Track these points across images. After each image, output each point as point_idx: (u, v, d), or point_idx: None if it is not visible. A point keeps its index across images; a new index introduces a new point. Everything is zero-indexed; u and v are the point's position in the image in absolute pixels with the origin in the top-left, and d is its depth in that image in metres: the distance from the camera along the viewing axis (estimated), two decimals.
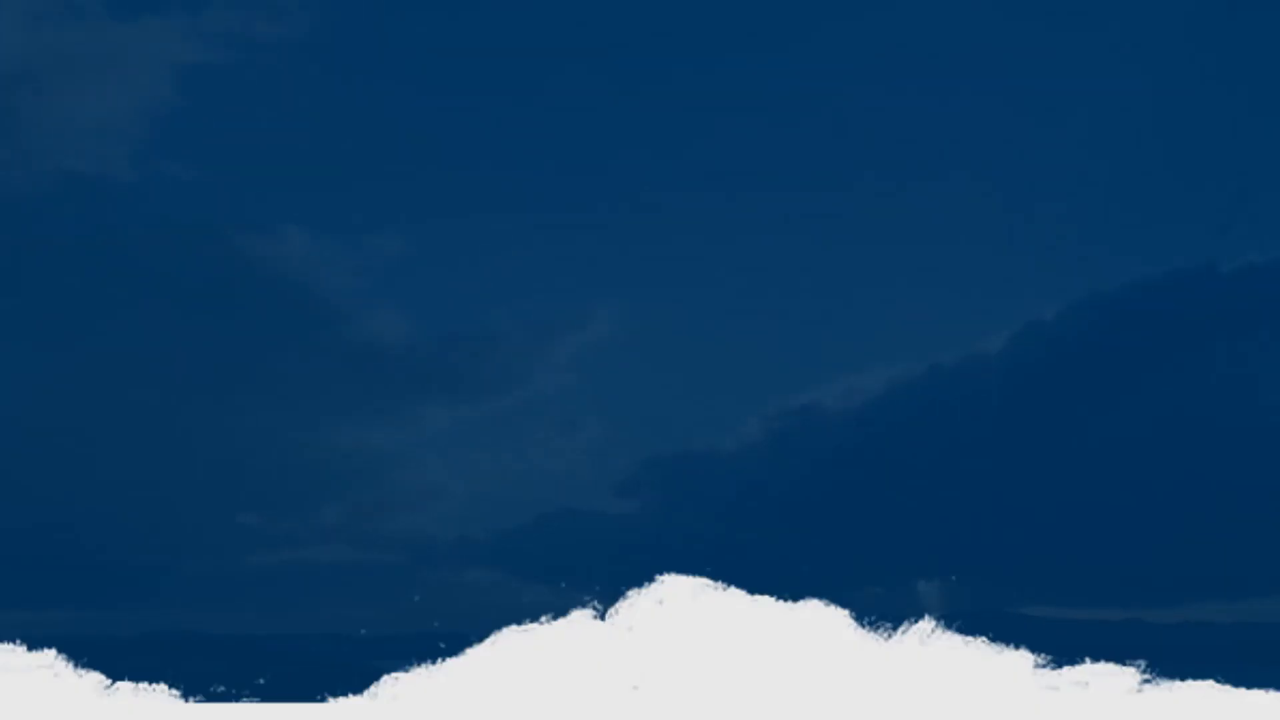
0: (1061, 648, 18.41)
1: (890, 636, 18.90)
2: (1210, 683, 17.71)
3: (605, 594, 19.49)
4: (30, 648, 19.07)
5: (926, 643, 18.72)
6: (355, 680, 18.99)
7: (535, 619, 19.41)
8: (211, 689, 19.08)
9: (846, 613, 19.14)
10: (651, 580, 19.60)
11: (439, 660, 19.13)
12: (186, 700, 18.99)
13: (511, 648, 19.18)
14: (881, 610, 19.03)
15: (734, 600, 19.50)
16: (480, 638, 19.34)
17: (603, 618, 19.31)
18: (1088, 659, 18.08)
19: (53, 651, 19.02)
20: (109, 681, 18.95)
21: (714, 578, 19.68)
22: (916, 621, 18.85)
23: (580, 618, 19.34)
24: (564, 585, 20.54)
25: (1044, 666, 18.27)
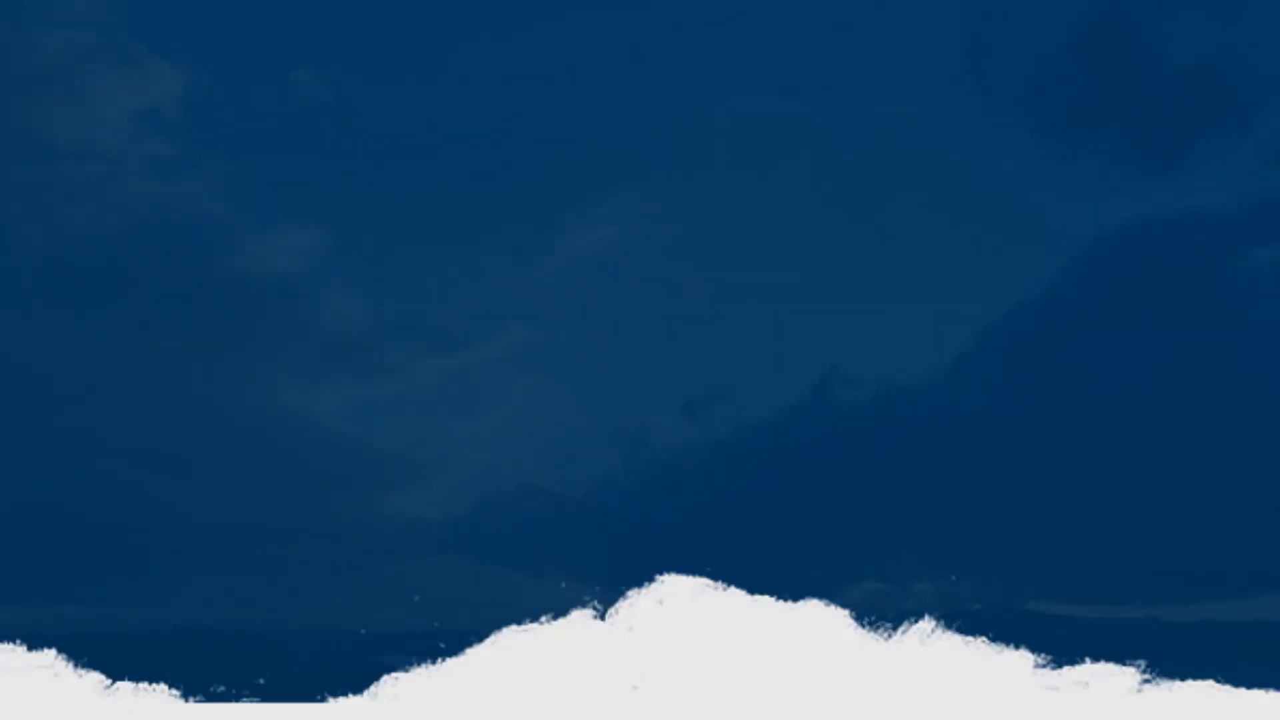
0: (1070, 646, 18.33)
1: (890, 636, 18.86)
2: (1210, 682, 17.59)
3: (605, 594, 19.52)
4: (30, 648, 19.13)
5: (926, 643, 18.66)
6: (355, 680, 19.01)
7: (535, 619, 19.43)
8: (211, 689, 19.10)
9: (846, 613, 19.12)
10: (651, 580, 19.60)
11: (439, 660, 19.15)
12: (186, 700, 19.03)
13: (511, 647, 19.20)
14: (881, 610, 18.99)
15: (734, 600, 19.48)
16: (480, 637, 19.37)
17: (603, 618, 19.32)
18: (1088, 659, 17.99)
19: (53, 651, 19.08)
20: (109, 681, 19.00)
21: (714, 578, 19.67)
22: (916, 621, 18.80)
23: (580, 618, 19.35)
24: (564, 585, 20.55)
25: (1044, 666, 18.18)
